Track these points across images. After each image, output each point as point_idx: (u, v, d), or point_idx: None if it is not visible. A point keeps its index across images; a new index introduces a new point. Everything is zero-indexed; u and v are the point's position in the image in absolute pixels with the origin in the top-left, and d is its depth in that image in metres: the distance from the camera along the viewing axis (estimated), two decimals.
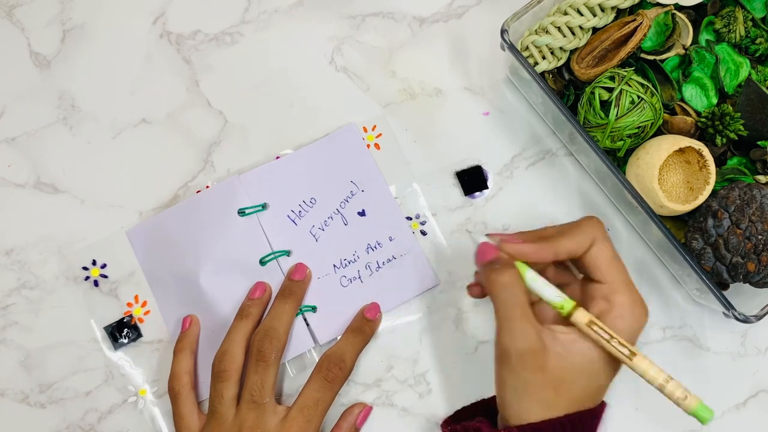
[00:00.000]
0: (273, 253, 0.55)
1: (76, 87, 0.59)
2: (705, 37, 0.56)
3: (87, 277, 0.56)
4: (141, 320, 0.56)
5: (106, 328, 0.56)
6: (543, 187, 0.58)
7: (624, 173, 0.53)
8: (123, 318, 0.56)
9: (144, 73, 0.59)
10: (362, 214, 0.57)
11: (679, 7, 0.55)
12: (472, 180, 0.58)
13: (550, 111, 0.56)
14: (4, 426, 0.55)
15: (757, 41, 0.55)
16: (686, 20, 0.55)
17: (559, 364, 0.43)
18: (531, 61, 0.55)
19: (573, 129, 0.52)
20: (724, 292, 0.51)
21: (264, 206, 0.56)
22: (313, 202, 0.57)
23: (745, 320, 0.50)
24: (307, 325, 0.55)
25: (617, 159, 0.55)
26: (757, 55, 0.55)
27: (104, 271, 0.56)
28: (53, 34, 0.60)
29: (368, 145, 0.58)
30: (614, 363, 0.45)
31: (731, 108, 0.53)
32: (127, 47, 0.60)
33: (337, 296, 0.56)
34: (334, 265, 0.56)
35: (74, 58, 0.59)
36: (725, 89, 0.54)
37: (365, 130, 0.58)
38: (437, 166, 0.58)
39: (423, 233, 0.57)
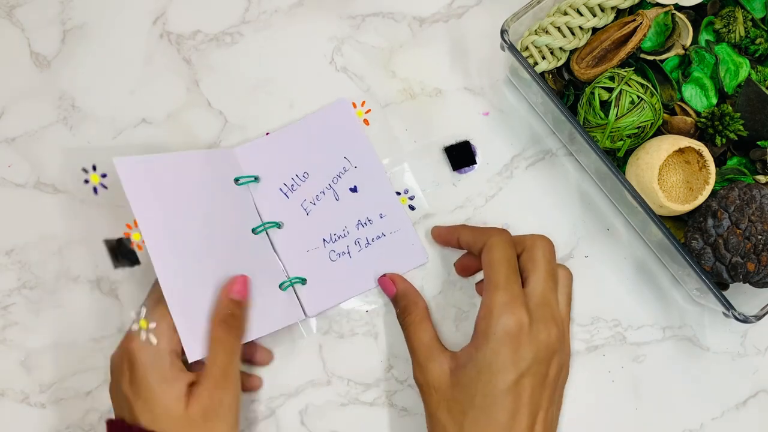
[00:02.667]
0: (264, 224, 0.56)
1: (76, 87, 0.59)
2: (705, 37, 0.56)
3: (86, 180, 0.52)
4: (140, 248, 0.52)
5: (107, 242, 0.52)
6: (543, 187, 0.58)
7: (624, 173, 0.54)
8: (122, 238, 0.53)
9: (144, 73, 0.59)
10: (354, 190, 0.57)
11: (678, 7, 0.55)
12: (460, 155, 0.59)
13: (550, 111, 0.56)
14: (4, 426, 0.55)
15: (757, 41, 0.55)
16: (686, 20, 0.55)
17: (468, 388, 0.46)
18: (531, 61, 0.55)
19: (573, 129, 0.52)
20: (724, 292, 0.51)
21: (256, 178, 0.56)
22: (306, 176, 0.57)
23: (745, 320, 0.50)
24: (297, 297, 0.55)
25: (617, 159, 0.55)
26: (756, 55, 0.55)
27: (105, 182, 0.53)
28: (53, 34, 0.60)
29: None
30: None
31: (731, 108, 0.53)
32: (127, 47, 0.60)
33: (326, 270, 0.56)
34: (324, 239, 0.56)
35: (74, 58, 0.59)
36: (725, 89, 0.55)
37: (354, 105, 0.59)
38: (426, 142, 0.59)
39: (411, 208, 0.58)
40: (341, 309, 0.56)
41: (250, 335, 0.52)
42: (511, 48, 0.52)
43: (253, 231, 0.55)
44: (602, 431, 0.56)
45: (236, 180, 0.56)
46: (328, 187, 0.57)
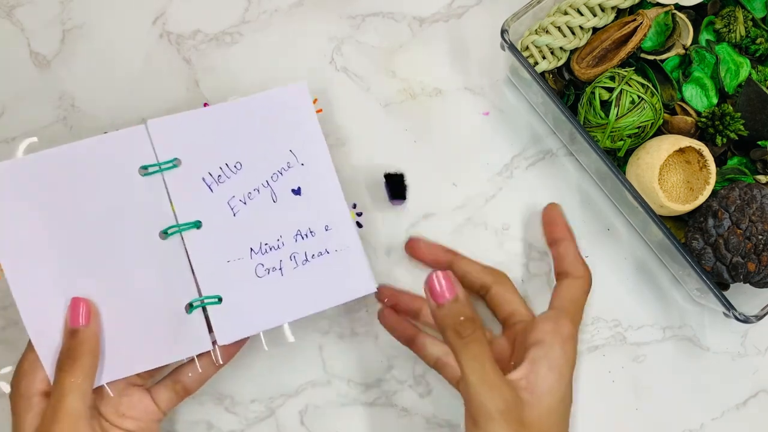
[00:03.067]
0: (179, 225, 0.46)
1: (76, 87, 0.59)
2: (705, 37, 0.56)
3: None
4: None
5: None
6: (543, 187, 0.58)
7: (624, 173, 0.53)
8: None
9: (144, 73, 0.59)
10: (297, 192, 0.48)
11: (679, 7, 0.55)
12: (395, 187, 0.55)
13: (550, 111, 0.56)
14: (4, 426, 0.55)
15: (758, 41, 0.55)
16: (686, 20, 0.55)
17: (535, 412, 0.43)
18: (531, 61, 0.55)
19: (573, 129, 0.52)
20: (725, 292, 0.51)
21: (174, 162, 0.47)
22: (238, 167, 0.47)
23: (746, 320, 0.50)
24: (207, 320, 0.47)
25: (617, 159, 0.55)
26: (757, 55, 0.55)
27: None
28: (53, 34, 0.60)
29: None
30: (570, 394, 0.46)
31: (731, 108, 0.53)
32: (127, 47, 0.60)
33: (249, 288, 0.47)
34: (252, 249, 0.47)
35: (74, 58, 0.59)
36: (725, 89, 0.54)
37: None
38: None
39: (359, 225, 0.51)
40: (340, 309, 0.56)
41: (137, 366, 0.46)
42: (512, 48, 0.52)
43: (163, 233, 0.47)
44: (602, 431, 0.56)
45: (143, 169, 0.46)
46: (266, 184, 0.48)
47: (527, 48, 0.55)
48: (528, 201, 0.58)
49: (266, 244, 0.47)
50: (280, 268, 0.48)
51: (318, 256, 0.48)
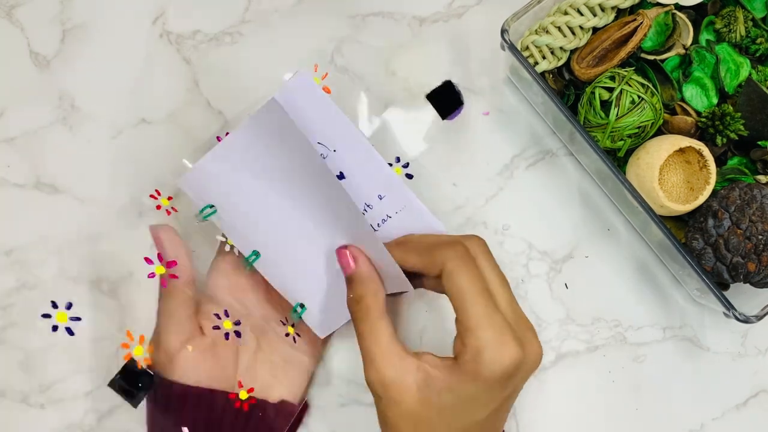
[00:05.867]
0: (246, 259, 0.49)
1: (76, 87, 0.59)
2: (705, 37, 0.56)
3: (55, 327, 0.46)
4: (147, 361, 0.46)
5: (111, 385, 0.44)
6: (543, 187, 0.58)
7: (624, 173, 0.53)
8: (125, 365, 0.45)
9: (144, 73, 0.59)
10: (341, 177, 0.49)
11: (679, 7, 0.55)
12: (446, 100, 0.50)
13: (550, 111, 0.56)
14: (4, 426, 0.55)
15: (758, 41, 0.55)
16: (686, 20, 0.55)
17: (443, 413, 0.41)
18: (531, 61, 0.55)
19: (573, 129, 0.52)
20: (725, 293, 0.51)
21: (213, 208, 0.48)
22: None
23: (746, 320, 0.50)
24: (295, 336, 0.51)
25: (617, 159, 0.55)
26: (757, 55, 0.55)
27: (73, 313, 0.46)
28: (53, 34, 0.60)
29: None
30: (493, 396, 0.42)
31: (731, 108, 0.53)
32: (127, 47, 0.60)
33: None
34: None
35: (74, 58, 0.59)
36: (725, 89, 0.54)
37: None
38: (407, 92, 0.56)
39: (409, 176, 0.52)
40: None
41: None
42: (512, 48, 0.52)
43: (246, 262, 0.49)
44: (602, 431, 0.56)
45: (200, 214, 0.48)
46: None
47: (527, 48, 0.55)
48: (528, 201, 0.58)
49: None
50: None
51: (382, 223, 0.49)
